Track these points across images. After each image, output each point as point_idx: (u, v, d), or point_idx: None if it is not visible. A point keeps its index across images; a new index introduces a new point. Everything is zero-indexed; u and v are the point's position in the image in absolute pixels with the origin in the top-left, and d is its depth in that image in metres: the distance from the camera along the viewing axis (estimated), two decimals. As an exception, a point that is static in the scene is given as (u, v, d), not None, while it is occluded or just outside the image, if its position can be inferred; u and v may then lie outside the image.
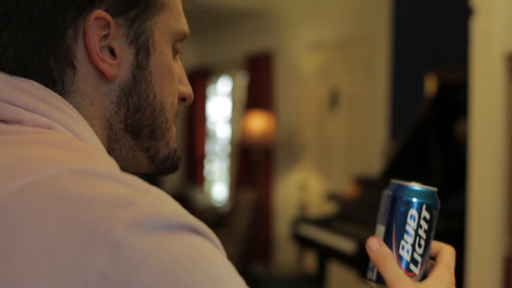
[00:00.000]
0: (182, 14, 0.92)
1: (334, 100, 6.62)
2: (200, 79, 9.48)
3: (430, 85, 5.18)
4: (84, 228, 0.60)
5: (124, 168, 0.88)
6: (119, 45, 0.82)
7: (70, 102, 0.80)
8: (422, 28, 5.61)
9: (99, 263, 0.58)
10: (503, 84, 3.41)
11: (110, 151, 0.86)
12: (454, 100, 4.37)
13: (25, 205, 0.62)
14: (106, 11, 0.80)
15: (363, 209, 4.44)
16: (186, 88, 0.96)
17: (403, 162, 4.53)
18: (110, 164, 0.70)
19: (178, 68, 0.94)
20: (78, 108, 0.81)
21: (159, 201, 0.65)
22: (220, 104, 9.52)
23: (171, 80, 0.90)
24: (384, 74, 5.99)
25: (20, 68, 0.79)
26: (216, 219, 7.53)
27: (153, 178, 9.37)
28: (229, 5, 7.43)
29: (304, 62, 7.13)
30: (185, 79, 0.96)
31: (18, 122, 0.74)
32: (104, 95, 0.83)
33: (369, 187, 4.64)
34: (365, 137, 6.16)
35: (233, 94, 9.08)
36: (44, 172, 0.64)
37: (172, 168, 0.94)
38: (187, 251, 0.61)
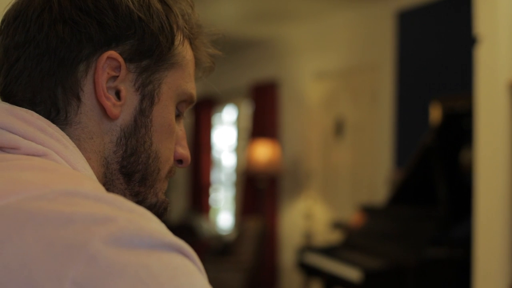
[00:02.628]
0: (192, 78, 0.95)
1: (339, 128, 6.64)
2: (206, 107, 9.51)
3: (435, 114, 5.19)
4: (61, 241, 0.60)
5: None
6: (126, 88, 0.85)
7: (71, 133, 0.83)
8: (427, 57, 5.64)
9: (74, 273, 0.58)
10: (508, 112, 3.42)
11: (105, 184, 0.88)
12: (459, 128, 4.38)
13: (6, 222, 0.63)
14: (120, 54, 0.83)
15: (369, 237, 4.43)
16: (184, 151, 0.97)
17: (409, 191, 4.53)
18: (95, 186, 0.72)
19: (180, 131, 0.97)
20: (77, 140, 0.83)
21: (142, 219, 0.65)
22: (225, 133, 9.54)
23: (169, 135, 0.92)
24: (389, 102, 6.01)
25: (28, 96, 0.82)
26: (221, 248, 7.51)
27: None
28: (235, 34, 7.48)
29: (309, 91, 7.16)
30: (184, 143, 0.98)
31: (15, 148, 0.76)
32: (104, 132, 0.85)
33: (375, 216, 4.63)
34: (370, 166, 6.17)
35: (238, 122, 9.11)
36: (28, 193, 0.65)
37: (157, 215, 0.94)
38: (165, 268, 0.61)
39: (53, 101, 0.82)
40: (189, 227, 8.33)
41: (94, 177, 0.81)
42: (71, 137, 0.82)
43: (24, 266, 0.60)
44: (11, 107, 0.80)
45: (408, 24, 5.95)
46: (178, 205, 9.68)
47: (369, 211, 4.75)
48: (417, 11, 5.84)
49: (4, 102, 0.83)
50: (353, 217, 5.31)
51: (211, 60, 1.03)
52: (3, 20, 0.87)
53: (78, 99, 0.82)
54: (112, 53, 0.82)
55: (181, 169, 9.87)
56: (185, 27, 0.93)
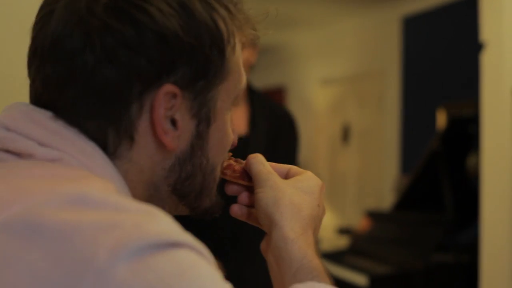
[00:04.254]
0: (243, 71, 0.89)
1: (346, 134, 6.65)
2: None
3: (441, 120, 5.20)
4: (68, 257, 0.60)
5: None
6: (182, 116, 0.81)
7: (117, 166, 0.79)
8: (432, 63, 5.65)
9: None
10: (513, 118, 3.43)
11: (148, 202, 0.83)
12: (465, 133, 4.39)
13: (12, 237, 0.62)
14: (175, 83, 0.78)
15: (376, 243, 4.44)
16: (234, 136, 0.94)
17: (415, 196, 4.54)
18: (104, 187, 0.70)
19: (233, 115, 0.93)
20: (124, 172, 0.80)
21: (148, 221, 0.64)
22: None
23: (226, 143, 0.90)
24: (396, 108, 6.02)
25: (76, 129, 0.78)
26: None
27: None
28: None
29: (316, 97, 7.17)
30: (234, 126, 0.94)
31: (30, 156, 0.75)
32: (157, 163, 0.82)
33: (381, 221, 4.64)
34: (377, 172, 6.18)
35: (246, 128, 9.13)
36: (30, 202, 0.65)
37: (209, 217, 0.93)
38: (172, 267, 0.61)
39: (103, 140, 0.78)
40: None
41: (121, 183, 0.79)
42: (118, 169, 0.79)
43: (33, 284, 0.59)
44: (29, 109, 0.79)
45: (413, 29, 5.97)
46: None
47: (375, 216, 4.76)
48: (422, 17, 5.86)
49: (22, 103, 0.81)
50: (360, 222, 5.32)
51: (255, 34, 0.93)
52: (38, 32, 0.80)
53: (132, 139, 0.79)
54: (168, 87, 0.77)
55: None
56: (234, 26, 0.86)
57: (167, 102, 0.78)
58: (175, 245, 0.63)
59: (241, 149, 2.56)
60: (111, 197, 0.67)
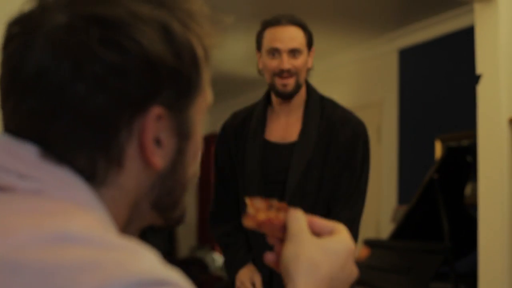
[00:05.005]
0: (209, 84, 0.89)
1: (345, 165, 6.69)
2: (214, 143, 9.63)
3: (439, 150, 5.25)
4: None
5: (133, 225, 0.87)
6: (166, 135, 0.80)
7: (104, 194, 0.77)
8: (430, 93, 5.71)
9: None
10: (509, 148, 3.48)
11: (129, 221, 0.84)
12: (464, 162, 4.42)
13: None
14: (161, 105, 0.78)
15: (374, 272, 4.45)
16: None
17: (413, 225, 4.56)
18: (86, 222, 0.68)
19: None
20: (111, 198, 0.78)
21: (132, 259, 0.64)
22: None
23: (199, 154, 0.90)
24: (394, 139, 6.07)
25: (65, 162, 0.76)
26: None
27: (170, 240, 9.42)
28: (242, 73, 7.60)
29: (316, 128, 7.22)
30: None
31: (11, 189, 0.73)
32: (141, 184, 0.81)
33: (380, 250, 4.66)
34: (376, 203, 6.20)
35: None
36: (11, 241, 0.63)
37: (178, 225, 0.93)
38: None
39: (92, 169, 0.76)
40: (200, 261, 8.35)
41: (104, 213, 0.76)
42: (104, 198, 0.77)
43: None
44: (6, 143, 0.76)
45: (409, 60, 6.05)
46: (188, 242, 9.71)
47: (374, 245, 4.78)
48: (417, 48, 5.93)
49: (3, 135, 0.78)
50: (358, 252, 5.34)
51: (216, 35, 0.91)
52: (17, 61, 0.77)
53: (121, 164, 0.77)
54: (155, 110, 0.77)
55: (192, 206, 9.95)
56: (206, 41, 0.87)
57: (154, 125, 0.78)
58: (160, 283, 0.62)
59: (288, 155, 2.58)
60: (94, 232, 0.66)
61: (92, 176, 0.76)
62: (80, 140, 0.75)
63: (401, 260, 4.25)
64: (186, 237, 9.70)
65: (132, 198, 0.81)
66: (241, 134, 2.84)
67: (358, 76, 6.84)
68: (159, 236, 9.53)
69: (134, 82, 0.75)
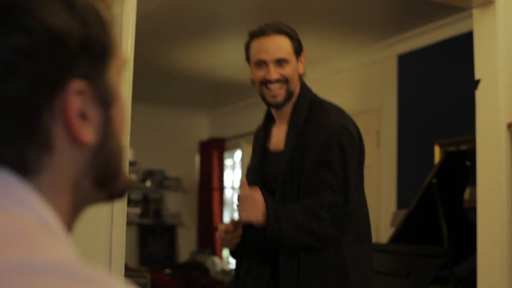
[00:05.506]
0: (120, 44, 0.85)
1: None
2: (217, 149, 9.70)
3: (438, 154, 5.27)
4: None
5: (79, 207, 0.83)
6: (90, 107, 0.76)
7: (41, 182, 0.73)
8: (429, 98, 5.74)
9: None
10: (508, 152, 3.50)
11: (74, 205, 0.80)
12: (463, 167, 4.44)
13: None
14: (79, 77, 0.74)
15: (374, 276, 4.47)
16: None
17: (412, 229, 4.57)
18: (51, 249, 0.65)
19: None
20: (50, 184, 0.74)
21: None
22: (237, 174, 9.70)
23: (125, 119, 0.86)
24: (394, 144, 6.09)
25: None
26: (234, 284, 7.57)
27: (170, 244, 9.42)
28: (242, 79, 7.60)
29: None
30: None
31: None
32: (77, 163, 0.77)
33: (379, 254, 4.67)
34: (376, 208, 6.22)
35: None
36: None
37: (123, 196, 0.90)
38: None
39: (21, 158, 0.72)
40: (201, 265, 8.37)
41: (54, 221, 0.72)
42: (43, 186, 0.73)
43: None
44: None
45: (408, 65, 6.07)
46: (189, 246, 9.72)
47: (373, 249, 4.79)
48: (416, 53, 5.96)
49: None
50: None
51: None
52: None
53: (50, 147, 0.73)
54: (74, 84, 0.73)
55: (193, 210, 9.96)
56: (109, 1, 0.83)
57: (76, 100, 0.73)
58: None
59: (277, 163, 2.56)
60: (60, 263, 0.64)
61: (24, 166, 0.72)
62: (2, 133, 0.71)
63: (400, 264, 4.27)
64: (187, 241, 9.72)
65: (71, 180, 0.77)
66: (254, 146, 2.91)
67: (358, 81, 6.87)
68: (159, 241, 9.54)
69: (45, 62, 0.71)
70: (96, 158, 0.79)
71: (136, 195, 9.54)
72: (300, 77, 2.72)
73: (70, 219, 0.79)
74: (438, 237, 4.19)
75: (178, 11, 5.64)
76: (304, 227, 2.45)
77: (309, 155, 2.52)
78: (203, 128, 10.43)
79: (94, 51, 0.76)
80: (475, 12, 3.73)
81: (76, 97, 0.73)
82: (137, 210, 9.41)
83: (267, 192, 2.59)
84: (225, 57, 6.95)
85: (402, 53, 6.15)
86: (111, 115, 0.80)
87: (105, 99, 0.78)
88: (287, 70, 2.61)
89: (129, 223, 6.97)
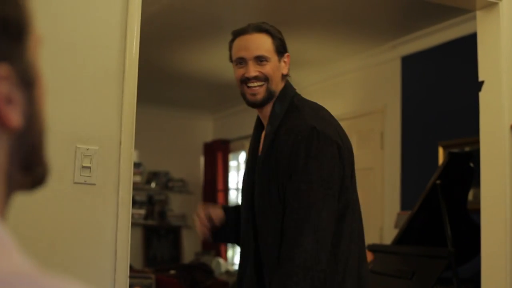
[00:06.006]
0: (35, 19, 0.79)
1: (349, 171, 6.72)
2: (222, 150, 9.72)
3: (442, 156, 5.28)
4: None
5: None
6: (13, 90, 0.71)
7: None
8: (432, 100, 5.74)
9: None
10: (511, 154, 3.51)
11: (6, 194, 0.75)
12: (466, 168, 4.45)
13: None
14: (2, 59, 0.70)
15: (378, 277, 4.48)
16: None
17: (417, 230, 4.58)
18: (3, 261, 0.63)
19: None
20: None
21: None
22: (241, 174, 9.72)
23: (45, 96, 0.81)
24: (397, 145, 6.10)
25: None
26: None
27: (175, 245, 9.43)
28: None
29: (320, 135, 7.26)
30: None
31: None
32: (5, 149, 0.73)
33: (383, 255, 4.68)
34: (379, 209, 6.23)
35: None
36: None
37: (44, 182, 0.83)
38: None
39: None
40: (206, 266, 8.38)
41: None
42: None
43: None
44: None
45: (411, 67, 6.08)
46: (193, 247, 9.73)
47: (377, 250, 4.81)
48: (419, 55, 5.97)
49: None
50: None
51: None
52: None
53: None
54: (1, 70, 0.69)
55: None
56: None
57: (2, 85, 0.69)
58: None
59: (259, 167, 2.47)
60: (26, 272, 0.63)
61: None
62: None
63: (404, 265, 4.28)
64: (191, 242, 9.73)
65: (3, 168, 0.72)
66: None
67: (361, 83, 6.88)
68: (164, 242, 9.56)
69: None
70: (23, 142, 0.75)
71: (141, 197, 9.56)
72: (284, 78, 2.64)
73: (3, 211, 0.74)
74: (442, 238, 4.19)
75: (182, 13, 5.66)
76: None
77: (280, 163, 2.40)
78: (207, 129, 10.46)
79: (12, 30, 0.72)
80: (479, 14, 3.74)
81: (1, 82, 0.69)
82: (142, 212, 9.43)
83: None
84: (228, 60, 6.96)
85: (405, 55, 6.16)
86: (34, 95, 0.76)
87: (27, 80, 0.74)
88: (267, 68, 2.53)
89: (134, 224, 6.99)
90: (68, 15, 2.58)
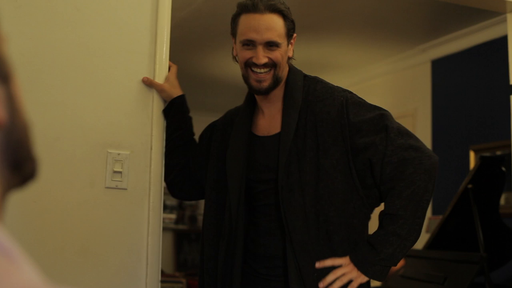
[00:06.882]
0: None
1: (379, 176, 6.69)
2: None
3: (473, 160, 5.24)
4: None
5: None
6: None
7: None
8: (463, 104, 5.71)
9: None
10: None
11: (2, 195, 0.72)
12: (498, 172, 4.41)
13: None
14: None
15: (409, 282, 4.46)
16: None
17: (448, 235, 4.55)
18: (13, 277, 0.60)
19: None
20: None
21: None
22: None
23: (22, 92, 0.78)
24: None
25: None
26: None
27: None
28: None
29: (350, 139, 7.25)
30: None
31: None
32: None
33: (415, 260, 4.66)
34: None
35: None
36: None
37: (33, 177, 0.80)
38: None
39: None
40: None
41: (2, 236, 0.65)
42: None
43: None
44: None
45: (441, 71, 6.05)
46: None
47: (408, 255, 4.78)
48: (449, 58, 5.94)
49: None
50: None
51: None
52: None
53: None
54: None
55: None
56: None
57: None
58: None
59: (275, 145, 2.32)
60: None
61: None
62: None
63: (436, 270, 4.25)
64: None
65: None
66: (229, 131, 2.56)
67: (392, 87, 6.85)
68: (194, 246, 9.59)
69: None
70: (9, 138, 0.72)
71: (172, 201, 9.60)
72: (289, 60, 2.44)
73: (0, 214, 0.72)
74: (474, 243, 4.16)
75: (211, 18, 5.69)
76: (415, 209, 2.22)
77: (322, 130, 2.29)
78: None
79: None
80: (510, 16, 3.71)
81: None
82: (172, 216, 9.48)
83: (257, 181, 2.40)
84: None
85: (436, 58, 6.13)
86: (13, 90, 0.73)
87: (3, 74, 0.72)
88: (276, 54, 2.32)
89: (164, 229, 7.04)
90: (98, 21, 2.60)
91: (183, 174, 2.70)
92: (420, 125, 6.26)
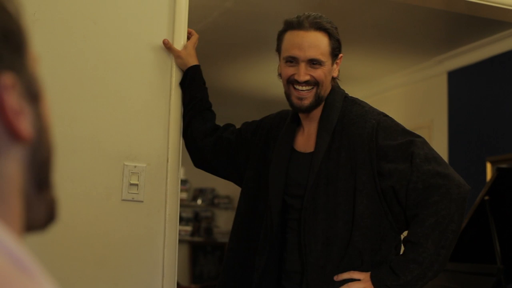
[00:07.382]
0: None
1: (395, 187, 6.67)
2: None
3: (490, 171, 5.21)
4: None
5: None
6: (22, 101, 0.69)
7: None
8: (479, 115, 5.69)
9: None
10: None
11: (23, 215, 0.70)
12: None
13: None
14: (7, 68, 0.67)
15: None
16: None
17: (465, 247, 4.53)
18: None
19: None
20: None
21: None
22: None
23: (51, 113, 0.78)
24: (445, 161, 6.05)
25: None
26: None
27: (221, 262, 9.45)
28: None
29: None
30: None
31: None
32: (18, 161, 0.69)
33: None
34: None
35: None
36: None
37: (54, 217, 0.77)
38: None
39: None
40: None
41: (22, 252, 0.62)
42: None
43: None
44: None
45: (458, 82, 6.04)
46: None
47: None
48: (466, 70, 5.92)
49: None
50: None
51: None
52: None
53: None
54: (6, 79, 0.66)
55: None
56: None
57: (10, 93, 0.66)
58: None
59: (307, 164, 2.31)
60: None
61: None
62: None
63: (452, 282, 4.23)
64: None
65: (18, 183, 0.69)
66: (273, 134, 2.56)
67: (408, 98, 6.84)
68: (210, 259, 9.58)
69: None
70: (35, 156, 0.71)
71: (187, 213, 9.60)
72: (333, 81, 2.44)
73: (21, 233, 0.70)
74: (491, 255, 4.14)
75: (227, 31, 5.71)
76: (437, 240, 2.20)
77: (355, 152, 2.28)
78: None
79: (13, 40, 0.69)
80: (526, 28, 3.71)
81: (9, 90, 0.66)
82: (188, 228, 9.48)
83: (289, 195, 2.39)
84: (275, 76, 6.99)
85: (452, 69, 6.12)
86: (40, 109, 0.73)
87: (32, 92, 0.71)
88: (319, 73, 2.30)
89: (180, 241, 7.03)
90: (115, 35, 2.62)
91: (208, 141, 2.73)
92: (436, 137, 6.24)
